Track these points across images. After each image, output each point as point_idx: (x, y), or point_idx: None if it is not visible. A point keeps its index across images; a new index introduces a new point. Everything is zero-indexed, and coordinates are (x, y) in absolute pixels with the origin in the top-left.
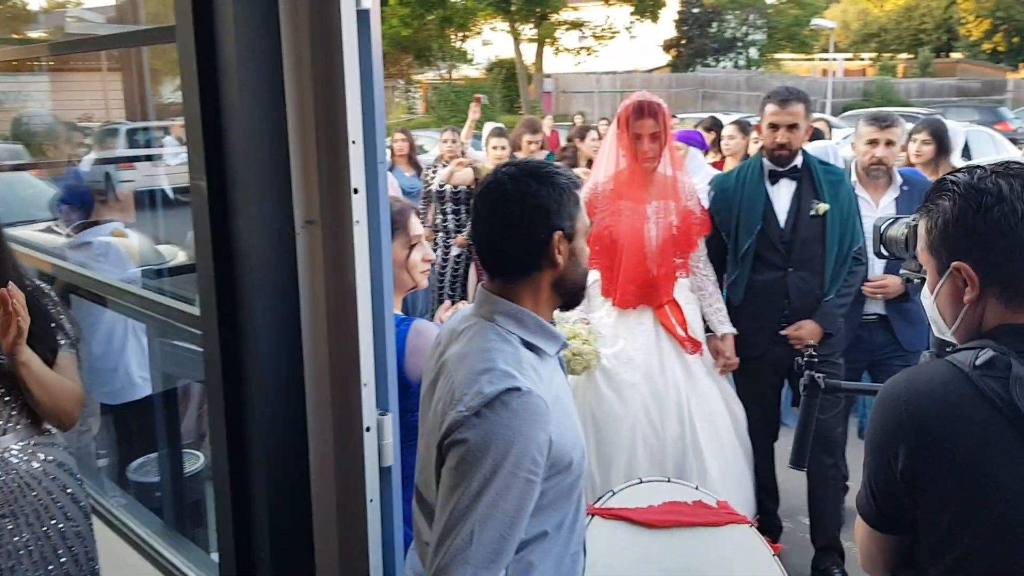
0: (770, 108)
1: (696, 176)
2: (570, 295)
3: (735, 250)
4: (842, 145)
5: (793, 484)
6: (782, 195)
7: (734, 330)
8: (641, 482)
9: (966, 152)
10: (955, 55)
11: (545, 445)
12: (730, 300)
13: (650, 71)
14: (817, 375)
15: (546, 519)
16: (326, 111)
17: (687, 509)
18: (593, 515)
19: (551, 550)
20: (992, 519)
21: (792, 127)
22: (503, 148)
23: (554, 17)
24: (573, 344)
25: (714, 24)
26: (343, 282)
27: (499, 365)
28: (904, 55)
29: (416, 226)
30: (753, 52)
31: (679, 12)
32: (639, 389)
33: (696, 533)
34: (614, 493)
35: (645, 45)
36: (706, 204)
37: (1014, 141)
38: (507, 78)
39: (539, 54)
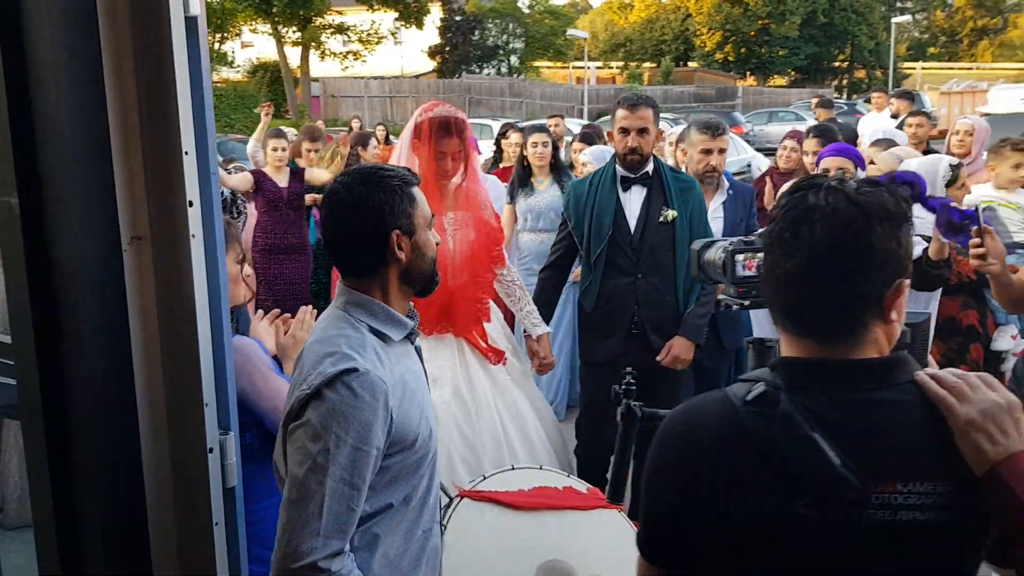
0: (621, 113)
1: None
2: (421, 284)
3: (587, 256)
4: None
5: None
6: (633, 201)
7: (549, 329)
8: (513, 468)
9: None
10: (692, 64)
11: (385, 422)
12: (583, 306)
13: (417, 76)
14: (634, 404)
15: (391, 493)
16: (154, 121)
17: (556, 493)
18: (462, 497)
19: (399, 524)
20: (753, 566)
21: (642, 131)
22: (283, 150)
23: (318, 20)
24: None
25: (476, 32)
26: (178, 299)
27: (342, 348)
28: (648, 64)
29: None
30: (514, 60)
31: (442, 19)
32: (450, 408)
33: (564, 516)
34: (485, 478)
35: (411, 51)
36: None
37: (748, 142)
38: (272, 82)
39: (304, 58)
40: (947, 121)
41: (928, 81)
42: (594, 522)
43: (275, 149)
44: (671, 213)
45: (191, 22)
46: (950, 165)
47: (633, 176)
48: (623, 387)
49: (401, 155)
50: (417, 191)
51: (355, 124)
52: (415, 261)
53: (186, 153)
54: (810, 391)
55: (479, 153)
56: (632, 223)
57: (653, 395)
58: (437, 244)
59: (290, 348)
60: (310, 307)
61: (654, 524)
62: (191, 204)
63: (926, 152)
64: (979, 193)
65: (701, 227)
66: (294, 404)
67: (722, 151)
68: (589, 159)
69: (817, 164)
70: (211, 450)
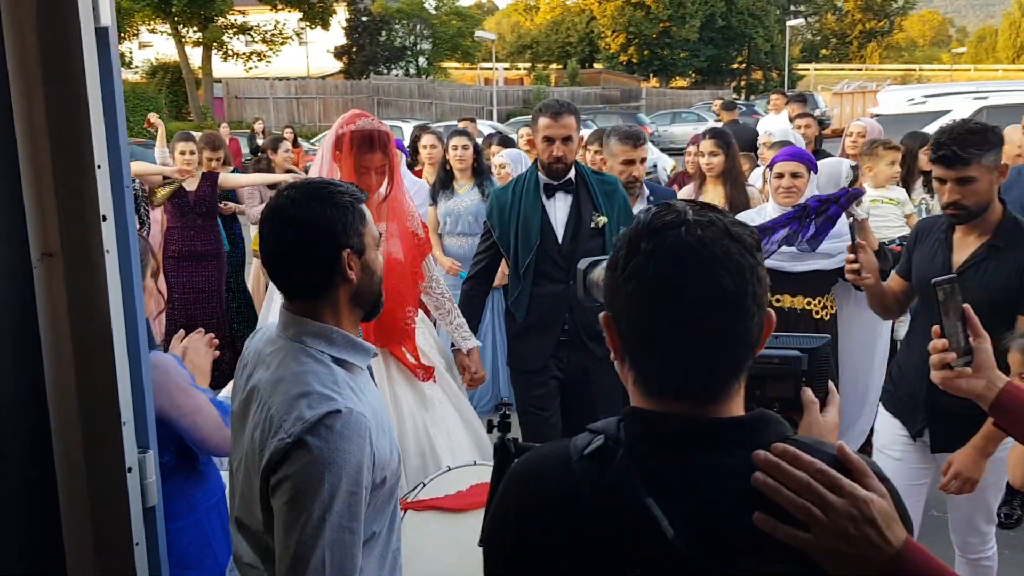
0: (543, 121)
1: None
2: (369, 305)
3: (516, 266)
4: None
5: None
6: (559, 209)
7: (479, 343)
8: (449, 469)
9: None
10: (598, 66)
11: (371, 459)
12: (513, 315)
13: (324, 77)
14: (508, 438)
15: (373, 523)
16: (65, 135)
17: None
18: (406, 510)
19: (375, 550)
20: None
21: (566, 139)
22: (191, 153)
23: (220, 20)
24: None
25: (383, 33)
26: (92, 317)
27: (316, 388)
28: (555, 65)
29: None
30: (422, 61)
31: (348, 20)
32: None
33: None
34: (424, 485)
35: (317, 52)
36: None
37: (653, 143)
38: (172, 83)
39: (206, 58)
40: (840, 120)
41: (821, 82)
42: None
43: (183, 153)
44: (602, 219)
45: (101, 33)
46: (850, 167)
47: (556, 183)
48: (499, 420)
49: (323, 165)
50: (366, 208)
51: (258, 126)
52: (364, 282)
53: (99, 167)
54: (653, 449)
55: (406, 155)
56: (559, 230)
57: (588, 403)
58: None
59: (196, 376)
60: (202, 332)
61: (492, 564)
62: (104, 219)
63: (816, 152)
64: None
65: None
66: (272, 455)
67: (643, 160)
68: (506, 160)
69: (771, 167)
70: (130, 469)
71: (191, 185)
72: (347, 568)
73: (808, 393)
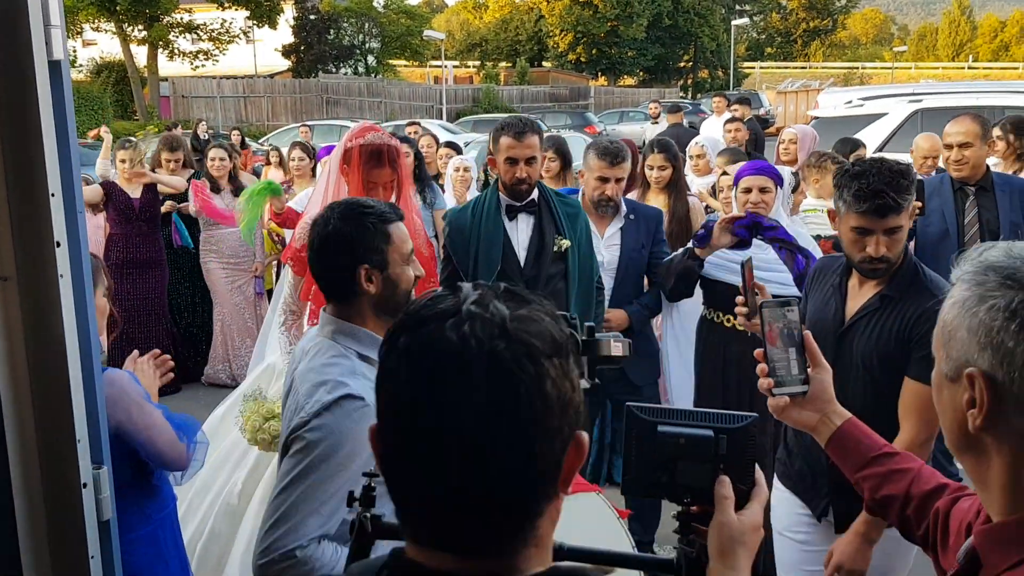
0: (506, 141)
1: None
2: (394, 314)
3: None
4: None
5: None
6: (520, 231)
7: None
8: None
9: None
10: (547, 64)
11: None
12: None
13: (272, 76)
14: (364, 515)
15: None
16: (19, 164)
17: None
18: None
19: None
20: None
21: (530, 160)
22: (130, 160)
23: (165, 19)
24: (272, 425)
25: (331, 31)
26: (48, 337)
27: (335, 377)
28: (504, 64)
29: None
30: (371, 59)
31: (296, 18)
32: None
33: None
34: None
35: (265, 50)
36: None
37: None
38: (117, 81)
39: (152, 57)
40: (784, 119)
41: (766, 80)
42: (575, 506)
43: (123, 160)
44: (565, 242)
45: (54, 66)
46: (792, 173)
47: (519, 204)
48: (361, 493)
49: (330, 179)
50: (396, 227)
51: (201, 127)
52: (386, 294)
53: (52, 195)
54: None
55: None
56: (521, 254)
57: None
58: (419, 278)
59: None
60: (145, 357)
61: None
62: (59, 245)
63: (749, 155)
64: (807, 202)
65: (588, 255)
66: (292, 427)
67: (619, 180)
68: (470, 164)
69: (736, 183)
70: (85, 485)
71: (135, 192)
72: (313, 519)
73: (721, 486)
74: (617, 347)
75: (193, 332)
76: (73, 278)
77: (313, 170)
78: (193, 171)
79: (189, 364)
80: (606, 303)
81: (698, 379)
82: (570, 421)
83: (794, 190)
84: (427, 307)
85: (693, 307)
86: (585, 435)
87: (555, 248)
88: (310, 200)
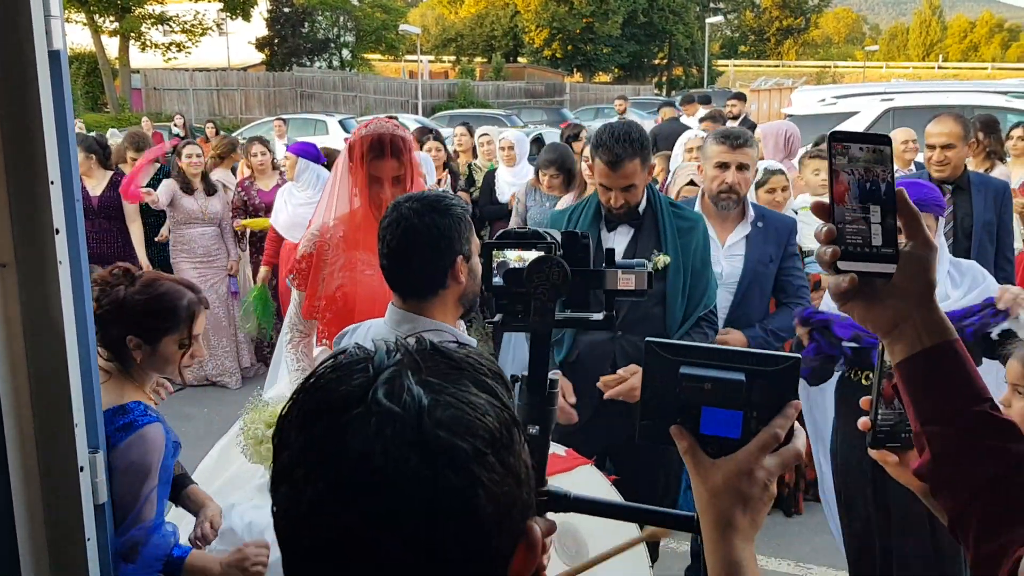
0: (600, 168)
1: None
2: (469, 304)
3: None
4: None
5: None
6: (618, 244)
7: None
8: None
9: None
10: (522, 60)
11: None
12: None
13: (246, 69)
14: None
15: None
16: (19, 151)
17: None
18: None
19: None
20: None
21: (628, 188)
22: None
23: (137, 10)
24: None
25: (306, 24)
26: (46, 324)
27: None
28: (480, 59)
29: (200, 323)
30: (346, 53)
31: (270, 11)
32: None
33: (553, 480)
34: None
35: (238, 43)
36: None
37: None
38: (88, 73)
39: (123, 49)
40: (757, 117)
41: (740, 78)
42: (575, 479)
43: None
44: (663, 259)
45: (54, 56)
46: (766, 169)
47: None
48: None
49: (338, 179)
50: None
51: (177, 121)
52: (471, 284)
53: (52, 182)
54: None
55: (423, 178)
56: None
57: (632, 476)
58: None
59: None
60: None
61: None
62: (57, 232)
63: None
64: (800, 200)
65: (703, 275)
66: None
67: (741, 168)
68: (513, 141)
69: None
70: (82, 468)
71: (96, 189)
72: None
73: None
74: (627, 280)
75: None
76: (71, 265)
77: (274, 164)
78: (159, 166)
79: None
80: (715, 335)
81: (834, 438)
82: (513, 524)
83: (759, 185)
84: (331, 382)
85: None
86: (537, 528)
87: (650, 265)
88: (317, 207)
